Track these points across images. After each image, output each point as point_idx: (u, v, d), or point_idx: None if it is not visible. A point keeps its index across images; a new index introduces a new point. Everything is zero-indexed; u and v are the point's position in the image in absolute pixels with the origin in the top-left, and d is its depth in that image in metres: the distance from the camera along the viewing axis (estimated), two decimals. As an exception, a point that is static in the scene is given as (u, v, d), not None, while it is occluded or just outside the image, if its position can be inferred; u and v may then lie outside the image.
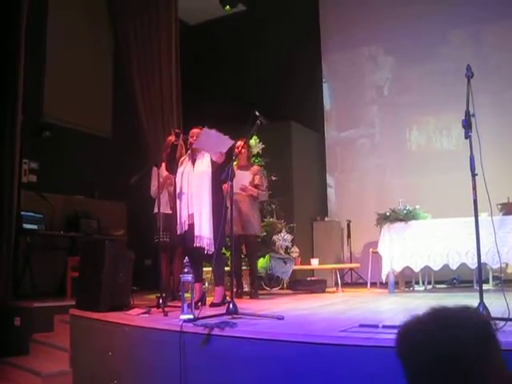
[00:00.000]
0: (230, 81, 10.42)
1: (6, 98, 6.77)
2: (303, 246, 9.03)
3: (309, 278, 8.14)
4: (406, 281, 7.62)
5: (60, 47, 8.49)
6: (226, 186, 5.05)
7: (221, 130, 5.03)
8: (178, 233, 5.36)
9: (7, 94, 6.77)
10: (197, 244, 5.19)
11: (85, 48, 9.07)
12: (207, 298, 5.51)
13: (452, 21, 9.35)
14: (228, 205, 4.96)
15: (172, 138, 5.86)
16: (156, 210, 6.09)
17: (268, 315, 4.19)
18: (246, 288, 7.09)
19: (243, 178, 6.40)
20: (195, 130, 5.54)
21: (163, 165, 6.14)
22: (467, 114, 3.46)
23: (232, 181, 4.54)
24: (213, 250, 5.14)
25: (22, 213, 7.13)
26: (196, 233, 5.20)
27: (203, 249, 5.22)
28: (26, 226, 7.25)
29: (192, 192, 5.30)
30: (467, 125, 3.43)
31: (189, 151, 5.58)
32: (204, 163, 5.37)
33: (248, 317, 4.12)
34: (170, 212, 5.99)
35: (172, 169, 5.65)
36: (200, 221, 5.22)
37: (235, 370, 3.39)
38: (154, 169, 5.81)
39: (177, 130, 5.73)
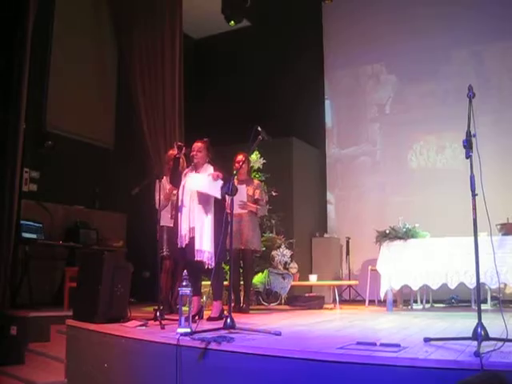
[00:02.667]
0: (233, 95, 10.46)
1: (9, 106, 6.79)
2: (302, 261, 9.01)
3: (307, 294, 8.13)
4: (404, 299, 7.60)
5: (64, 58, 8.53)
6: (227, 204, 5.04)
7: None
8: (179, 246, 5.37)
9: (10, 102, 6.80)
10: (197, 258, 5.20)
11: (88, 59, 9.12)
12: (205, 312, 5.49)
13: (454, 40, 9.43)
14: (228, 219, 4.97)
15: (174, 151, 5.88)
16: (161, 223, 6.11)
17: (265, 331, 4.17)
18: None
19: (240, 193, 6.36)
20: (198, 144, 5.57)
21: (165, 178, 6.17)
22: (468, 134, 3.47)
23: (233, 195, 4.56)
24: (213, 264, 5.16)
25: (22, 222, 7.13)
26: (197, 247, 5.21)
27: (203, 262, 5.22)
28: (25, 234, 7.24)
29: (194, 205, 5.32)
30: (468, 145, 3.44)
31: (192, 164, 5.61)
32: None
33: (245, 332, 4.11)
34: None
35: (175, 182, 5.67)
36: (201, 234, 5.23)
37: (231, 384, 3.37)
38: (157, 181, 5.83)
39: (179, 143, 5.75)
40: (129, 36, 9.20)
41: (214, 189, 5.26)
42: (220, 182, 5.24)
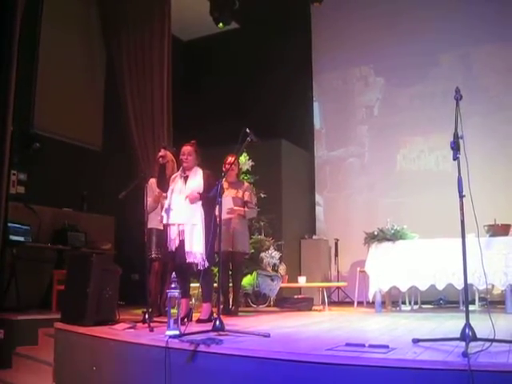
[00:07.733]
0: (222, 97, 10.45)
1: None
2: (291, 263, 9.02)
3: (296, 296, 8.13)
4: (392, 300, 7.63)
5: (52, 60, 8.48)
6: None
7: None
8: (169, 249, 5.36)
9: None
10: (189, 260, 5.19)
11: (77, 61, 9.08)
12: (194, 314, 5.48)
13: (442, 43, 9.48)
14: (217, 222, 4.95)
15: (161, 153, 5.86)
16: (149, 226, 6.09)
17: (254, 332, 4.17)
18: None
19: (226, 203, 6.28)
20: (187, 147, 5.55)
21: (151, 180, 6.16)
22: (456, 135, 3.49)
23: (221, 197, 4.54)
24: (206, 265, 5.15)
25: (9, 224, 7.06)
26: (187, 249, 5.20)
27: (192, 265, 5.21)
28: (13, 237, 7.18)
29: (183, 209, 5.30)
30: (455, 147, 3.45)
31: (181, 168, 5.60)
32: (196, 180, 5.40)
33: (234, 334, 4.10)
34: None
35: (163, 188, 5.68)
36: (191, 237, 5.22)
37: (220, 387, 3.37)
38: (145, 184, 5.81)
39: (164, 144, 5.75)
40: (117, 37, 9.20)
41: (192, 215, 5.27)
42: (198, 205, 5.24)
